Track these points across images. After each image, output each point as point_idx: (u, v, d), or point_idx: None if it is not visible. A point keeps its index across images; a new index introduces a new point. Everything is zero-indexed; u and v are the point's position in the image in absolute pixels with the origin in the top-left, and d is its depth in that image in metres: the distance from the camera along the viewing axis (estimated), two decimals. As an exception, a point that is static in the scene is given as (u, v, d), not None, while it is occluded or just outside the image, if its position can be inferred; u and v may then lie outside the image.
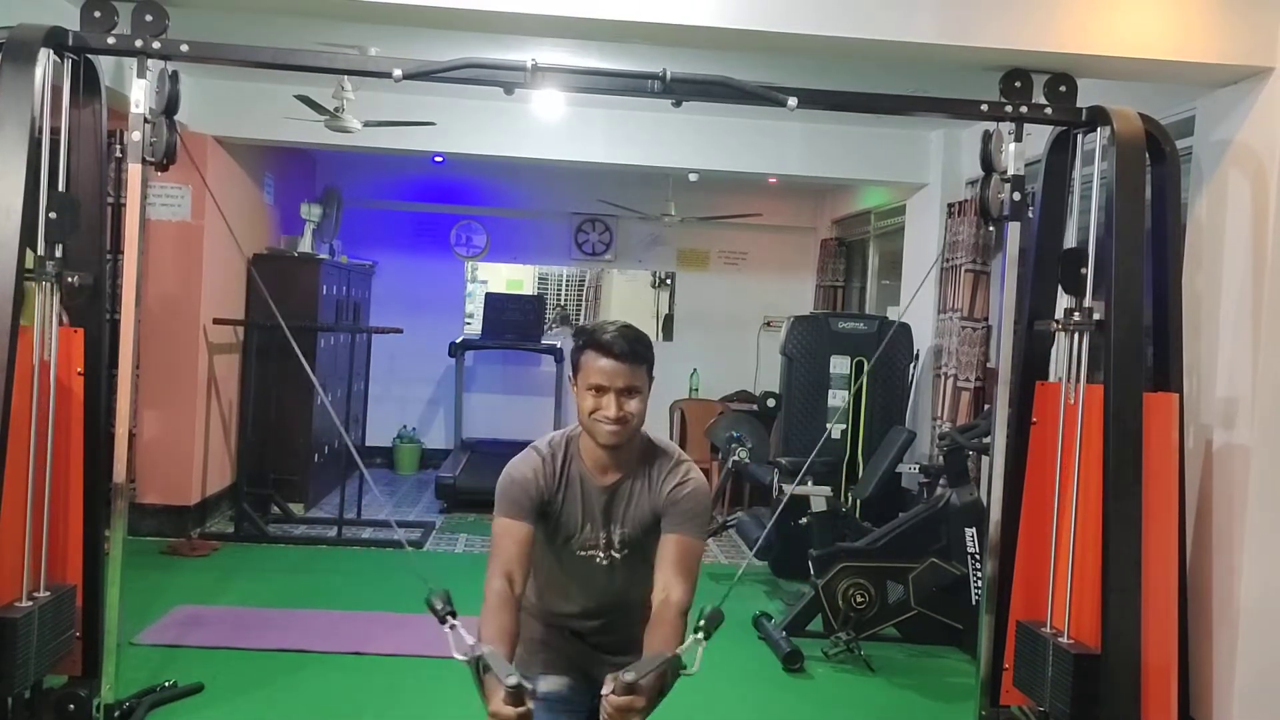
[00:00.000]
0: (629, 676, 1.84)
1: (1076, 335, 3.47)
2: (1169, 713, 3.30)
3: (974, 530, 4.63)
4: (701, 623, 2.02)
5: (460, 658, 1.95)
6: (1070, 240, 3.63)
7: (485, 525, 6.75)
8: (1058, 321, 3.53)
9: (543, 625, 2.45)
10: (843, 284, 8.64)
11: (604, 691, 1.88)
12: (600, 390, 2.19)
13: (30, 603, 3.13)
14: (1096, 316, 3.41)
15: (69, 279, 3.27)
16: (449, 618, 2.01)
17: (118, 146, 5.26)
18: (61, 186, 3.31)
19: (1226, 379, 3.64)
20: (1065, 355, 3.51)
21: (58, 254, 3.25)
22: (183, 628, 4.55)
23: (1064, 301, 3.56)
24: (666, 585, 2.15)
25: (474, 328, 9.20)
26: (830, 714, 4.11)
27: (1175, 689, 3.33)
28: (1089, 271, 3.46)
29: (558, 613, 2.42)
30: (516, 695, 1.82)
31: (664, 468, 2.29)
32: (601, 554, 2.30)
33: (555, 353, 8.60)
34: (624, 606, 2.39)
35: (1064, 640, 3.35)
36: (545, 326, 9.24)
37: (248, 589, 5.23)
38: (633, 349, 2.20)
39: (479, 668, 1.92)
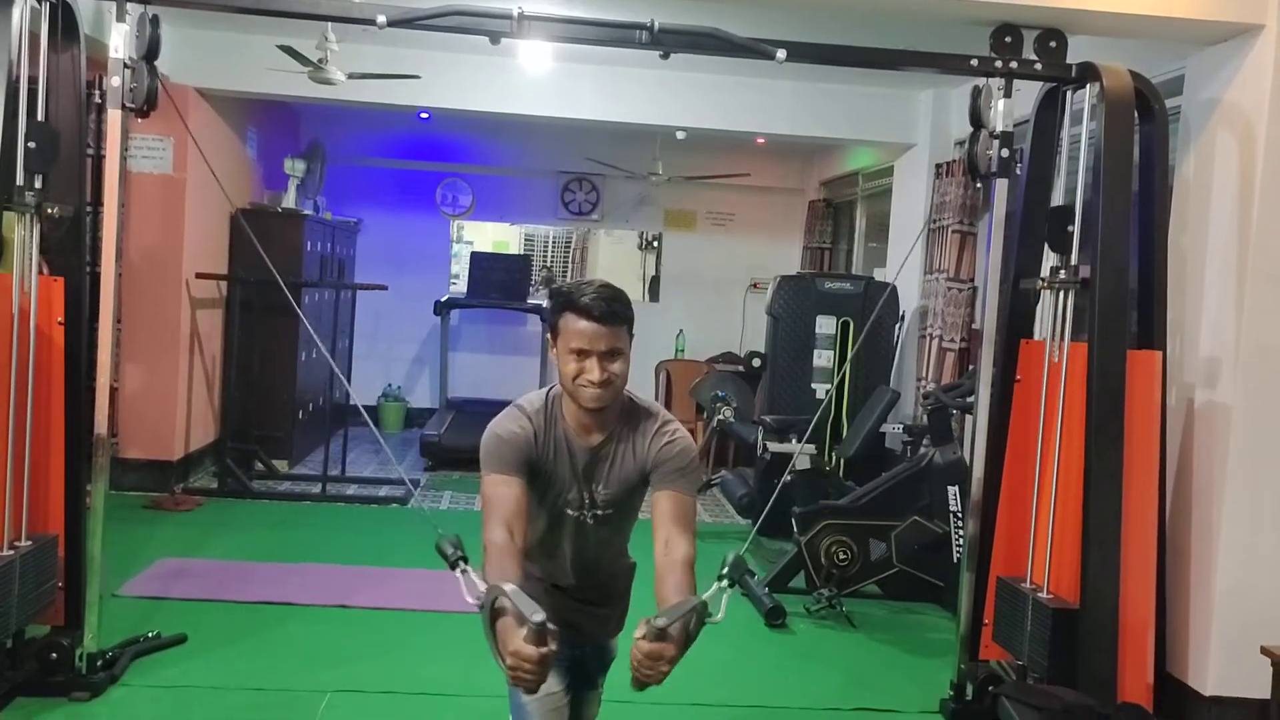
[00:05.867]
0: (660, 622, 1.79)
1: (1061, 294, 3.47)
2: (1146, 667, 3.35)
3: (956, 489, 4.66)
4: (725, 570, 1.98)
5: (472, 601, 1.88)
6: (1058, 199, 3.62)
7: (469, 483, 6.78)
8: (1043, 280, 3.53)
9: (525, 579, 2.44)
10: (830, 245, 8.63)
11: (636, 635, 1.82)
12: (582, 354, 2.14)
13: (11, 552, 3.12)
14: (1082, 274, 3.42)
15: (49, 210, 3.24)
16: (460, 562, 1.96)
17: (97, 94, 5.17)
18: (40, 131, 3.27)
19: (1210, 338, 3.65)
20: (1050, 313, 3.51)
21: (37, 184, 3.21)
22: (166, 580, 4.55)
23: (1050, 260, 3.57)
24: (668, 539, 2.13)
25: (459, 287, 9.16)
26: (812, 668, 4.14)
27: (1152, 644, 3.37)
28: (1075, 230, 3.46)
29: (543, 567, 2.43)
30: (539, 634, 1.72)
31: (649, 428, 2.28)
32: (586, 513, 2.30)
33: (541, 312, 8.56)
34: (605, 561, 2.41)
35: (1043, 595, 3.38)
36: (531, 287, 9.21)
37: (232, 543, 5.23)
38: (612, 309, 2.14)
39: (491, 613, 1.83)
